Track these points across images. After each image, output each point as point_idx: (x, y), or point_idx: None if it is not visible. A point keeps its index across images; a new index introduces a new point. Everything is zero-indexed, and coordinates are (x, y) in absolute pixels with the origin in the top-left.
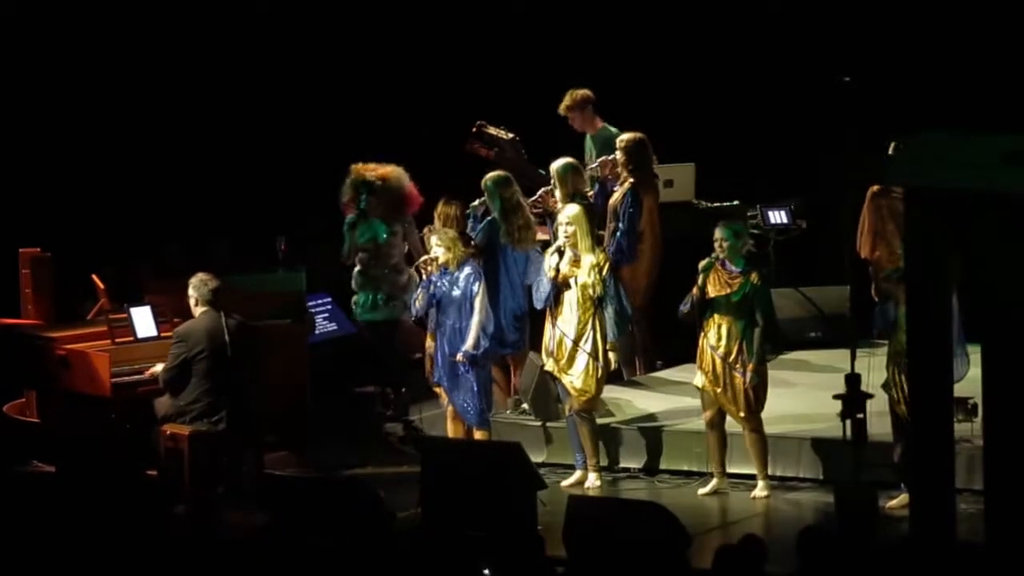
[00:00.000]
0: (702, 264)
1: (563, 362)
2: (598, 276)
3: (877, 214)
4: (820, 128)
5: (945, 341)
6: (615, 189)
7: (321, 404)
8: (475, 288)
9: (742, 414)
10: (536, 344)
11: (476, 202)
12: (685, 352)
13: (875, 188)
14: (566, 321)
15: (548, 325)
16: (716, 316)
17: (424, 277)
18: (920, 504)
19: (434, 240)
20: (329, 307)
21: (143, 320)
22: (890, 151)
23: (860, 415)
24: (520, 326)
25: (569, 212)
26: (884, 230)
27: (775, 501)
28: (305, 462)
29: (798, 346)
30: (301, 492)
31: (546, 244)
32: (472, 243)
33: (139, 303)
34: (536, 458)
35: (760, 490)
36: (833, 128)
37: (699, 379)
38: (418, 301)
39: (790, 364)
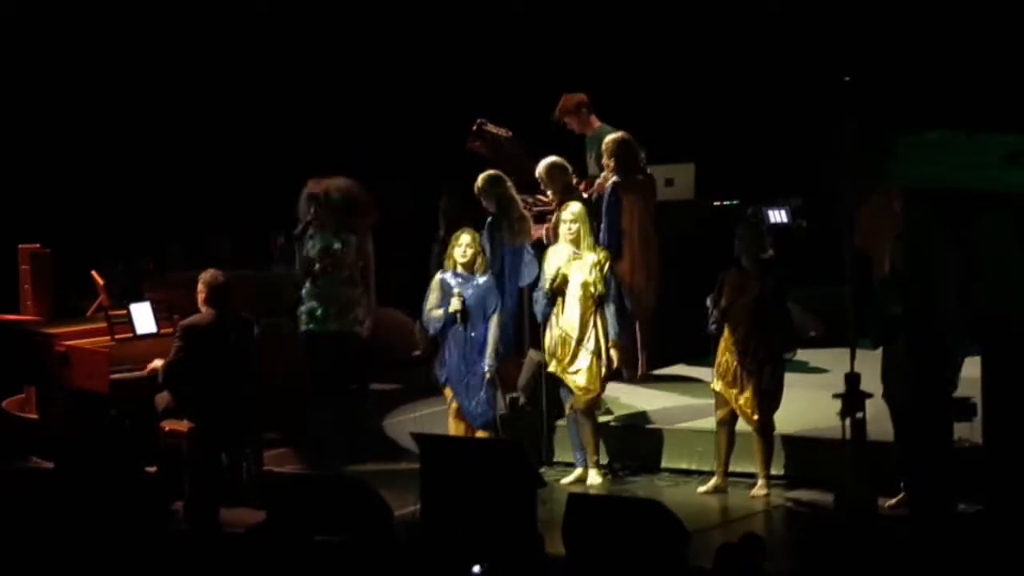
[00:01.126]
0: (719, 281)
1: (566, 361)
2: (599, 274)
3: (874, 211)
4: (820, 128)
5: (945, 341)
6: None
7: (320, 401)
8: (494, 303)
9: (756, 416)
10: (535, 343)
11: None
12: (686, 351)
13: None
14: (568, 320)
15: (550, 325)
16: (733, 319)
17: (442, 279)
18: (919, 504)
19: (465, 240)
20: None
21: (143, 316)
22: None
23: (860, 414)
24: (517, 325)
25: (573, 209)
26: (880, 227)
27: (775, 500)
28: (304, 459)
29: (795, 347)
30: (300, 489)
31: (539, 244)
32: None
33: (139, 299)
34: (536, 456)
35: (760, 489)
36: (833, 127)
37: (716, 383)
38: (434, 312)
39: (790, 363)
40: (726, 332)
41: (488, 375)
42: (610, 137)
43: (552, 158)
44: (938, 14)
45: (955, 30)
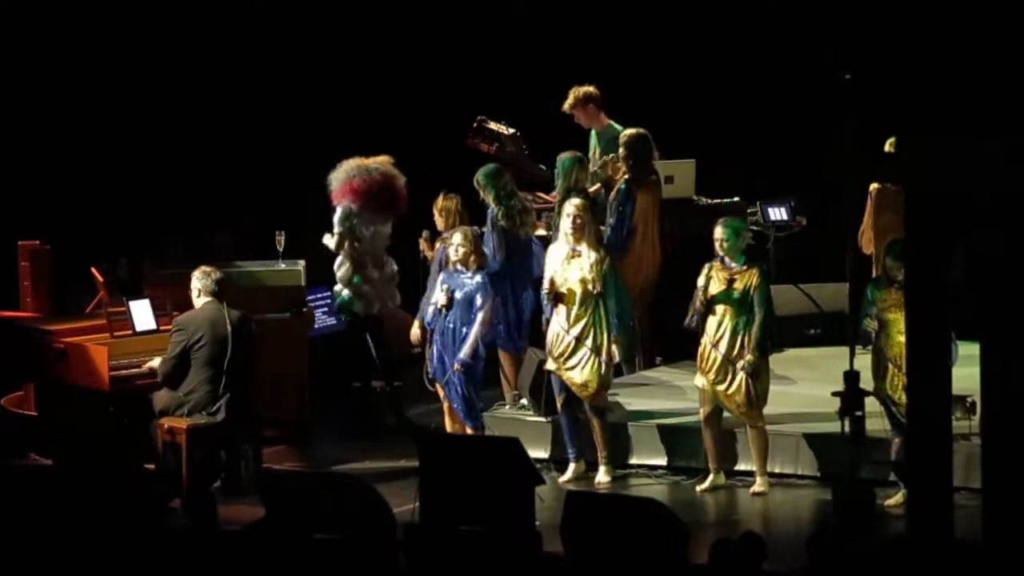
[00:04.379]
0: (700, 280)
1: (565, 359)
2: (598, 272)
3: (876, 210)
4: (820, 125)
5: (944, 340)
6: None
7: (320, 398)
8: (481, 300)
9: (743, 410)
10: (536, 341)
11: (478, 230)
12: (685, 349)
13: (876, 185)
14: (568, 318)
15: (552, 323)
16: (717, 312)
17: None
18: (918, 501)
19: (457, 238)
20: (329, 301)
21: (142, 313)
22: (886, 148)
23: (859, 412)
24: (527, 320)
25: (576, 203)
26: (882, 226)
27: (773, 498)
28: (303, 456)
29: (797, 343)
30: (299, 487)
31: (545, 239)
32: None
33: (138, 296)
34: (535, 454)
35: (758, 486)
36: (833, 125)
37: (699, 379)
38: (428, 308)
39: (789, 361)
40: (710, 327)
41: (457, 368)
42: (629, 132)
43: (575, 152)
44: (940, 12)
45: (956, 27)
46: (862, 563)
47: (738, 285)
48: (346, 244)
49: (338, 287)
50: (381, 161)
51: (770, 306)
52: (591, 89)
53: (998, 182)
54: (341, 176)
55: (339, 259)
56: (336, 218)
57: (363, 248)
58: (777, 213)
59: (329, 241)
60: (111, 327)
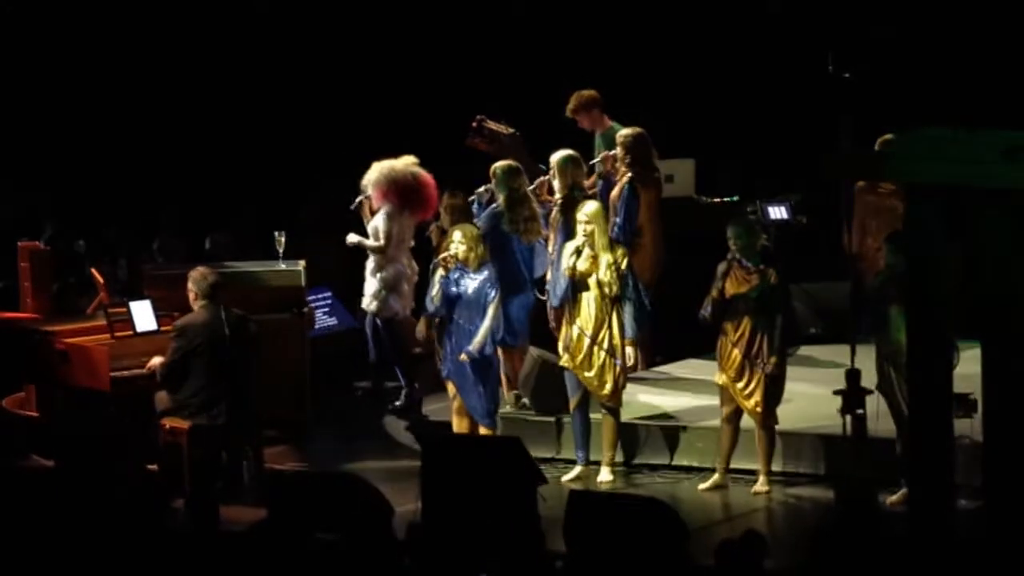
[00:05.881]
0: (721, 268)
1: (579, 359)
2: (615, 274)
3: (864, 210)
4: (820, 124)
5: (945, 338)
6: (615, 183)
7: (321, 398)
8: (491, 293)
9: (759, 410)
10: (537, 339)
11: (482, 188)
12: (685, 347)
13: (861, 184)
14: (584, 319)
15: (566, 322)
16: (736, 313)
17: (443, 273)
18: (920, 500)
19: (457, 236)
20: (329, 301)
21: (143, 314)
22: (876, 146)
23: (860, 411)
24: (525, 319)
25: (588, 210)
26: (869, 225)
27: (776, 496)
28: (305, 457)
29: (798, 342)
30: (301, 487)
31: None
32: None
33: (139, 297)
34: (537, 453)
35: (761, 485)
36: (833, 124)
37: (720, 377)
38: (436, 298)
39: (790, 360)
40: (729, 326)
41: (463, 358)
42: (627, 131)
43: (569, 151)
44: (938, 10)
45: (955, 26)
46: (863, 562)
47: (755, 285)
48: (391, 246)
49: (376, 287)
50: (409, 162)
51: (789, 307)
52: (593, 93)
53: (995, 178)
54: (381, 178)
55: (376, 260)
56: (381, 219)
57: (404, 247)
58: (777, 212)
59: (367, 242)
60: (112, 328)
